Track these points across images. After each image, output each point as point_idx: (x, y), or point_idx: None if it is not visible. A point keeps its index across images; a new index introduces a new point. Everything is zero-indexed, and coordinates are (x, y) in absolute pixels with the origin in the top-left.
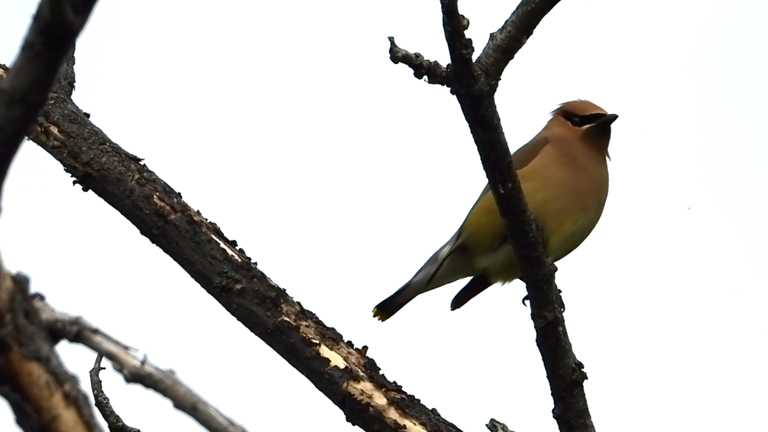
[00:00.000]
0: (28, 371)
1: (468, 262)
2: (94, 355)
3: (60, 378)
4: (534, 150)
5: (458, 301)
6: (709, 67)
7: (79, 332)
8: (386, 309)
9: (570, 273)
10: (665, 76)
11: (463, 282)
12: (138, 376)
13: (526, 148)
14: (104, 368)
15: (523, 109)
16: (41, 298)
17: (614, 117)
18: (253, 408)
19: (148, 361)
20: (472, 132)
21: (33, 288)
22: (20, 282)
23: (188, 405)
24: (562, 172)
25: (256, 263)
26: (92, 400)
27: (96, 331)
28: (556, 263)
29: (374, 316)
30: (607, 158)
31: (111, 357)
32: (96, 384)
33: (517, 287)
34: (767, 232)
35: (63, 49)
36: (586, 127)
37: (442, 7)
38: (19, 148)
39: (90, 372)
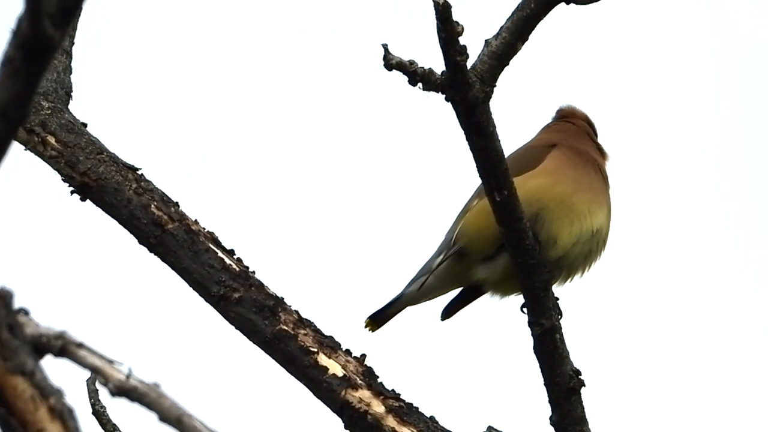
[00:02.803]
0: (13, 385)
1: (464, 270)
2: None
3: (45, 392)
4: (541, 154)
5: (448, 312)
6: (705, 72)
7: (64, 346)
8: (377, 320)
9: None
10: (663, 79)
11: (453, 292)
12: (123, 390)
13: (532, 151)
14: None
15: (519, 116)
16: (26, 312)
17: None
18: (253, 416)
19: (133, 375)
20: (467, 139)
21: (31, 299)
22: (4, 297)
23: (173, 418)
24: (575, 172)
25: (254, 272)
26: (89, 409)
27: (80, 345)
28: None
29: (365, 326)
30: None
31: (96, 371)
32: (93, 393)
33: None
34: None
35: (43, 64)
36: None
37: (436, 14)
38: (1, 163)
39: (87, 381)
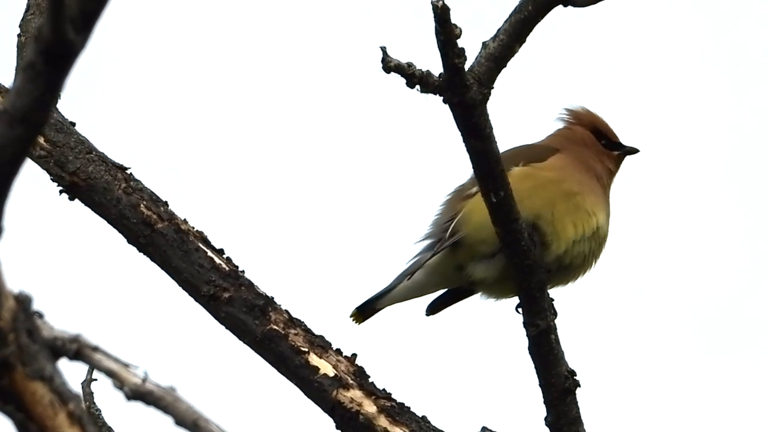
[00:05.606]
0: (32, 390)
1: (458, 265)
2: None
3: (64, 397)
4: (546, 153)
5: (434, 308)
6: (704, 74)
7: (79, 350)
8: (364, 312)
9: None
10: (662, 81)
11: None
12: (139, 394)
13: (538, 149)
14: (96, 379)
15: (516, 118)
16: (40, 316)
17: (636, 151)
18: (244, 418)
19: (148, 379)
20: (464, 141)
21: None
22: (22, 302)
23: (189, 422)
24: (580, 174)
25: (243, 271)
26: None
27: (96, 349)
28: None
29: (351, 317)
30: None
31: (111, 374)
32: (88, 396)
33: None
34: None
35: (64, 69)
36: (617, 153)
37: (434, 16)
38: (21, 168)
39: (81, 383)
